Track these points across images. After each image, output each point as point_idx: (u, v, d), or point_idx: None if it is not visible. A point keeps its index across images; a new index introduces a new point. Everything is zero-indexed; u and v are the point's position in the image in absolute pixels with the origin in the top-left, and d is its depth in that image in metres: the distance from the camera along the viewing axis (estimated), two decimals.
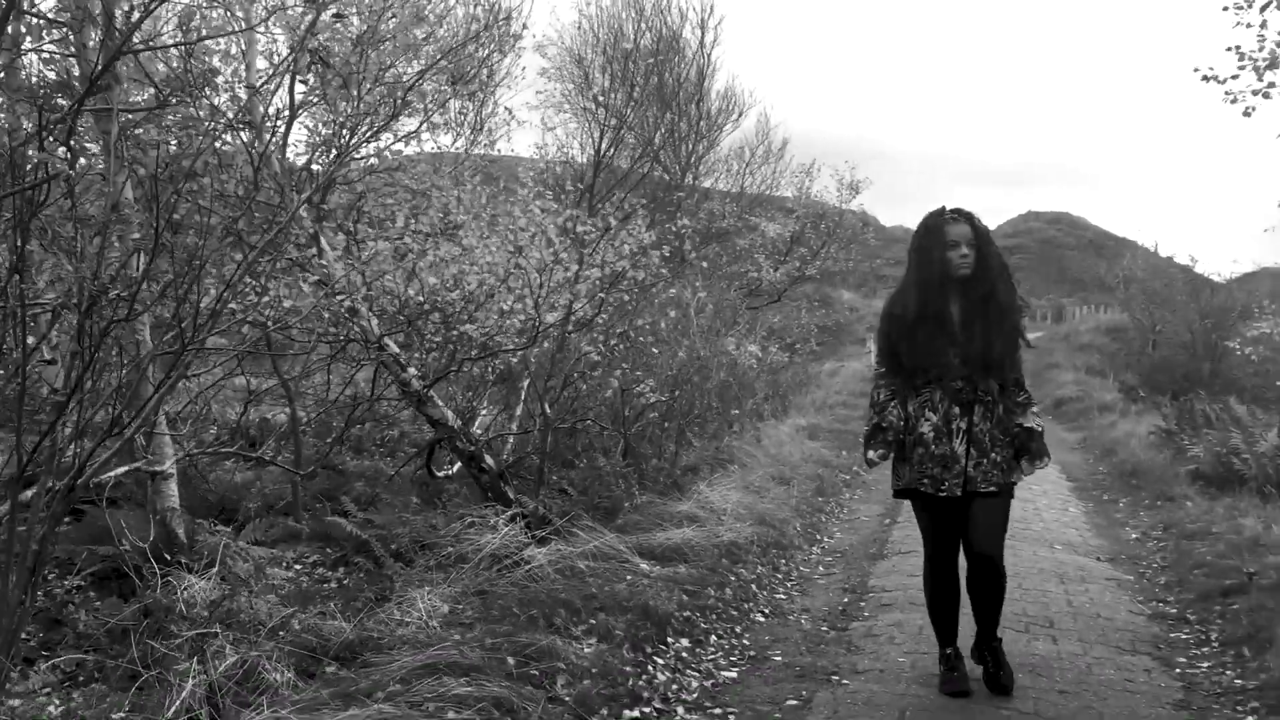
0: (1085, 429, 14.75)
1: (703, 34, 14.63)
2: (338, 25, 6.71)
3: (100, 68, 3.14)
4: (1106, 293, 35.73)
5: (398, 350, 7.49)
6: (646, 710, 3.77)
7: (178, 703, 3.44)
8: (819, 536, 7.24)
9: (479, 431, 8.19)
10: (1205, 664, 4.48)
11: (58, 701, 3.88)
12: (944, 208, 3.92)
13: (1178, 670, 4.40)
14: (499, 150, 11.05)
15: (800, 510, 7.70)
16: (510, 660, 3.84)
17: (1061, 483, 10.15)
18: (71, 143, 3.26)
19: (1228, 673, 4.32)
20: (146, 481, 6.20)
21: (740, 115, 16.06)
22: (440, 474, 8.48)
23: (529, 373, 8.69)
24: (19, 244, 3.38)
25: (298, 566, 6.65)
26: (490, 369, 8.79)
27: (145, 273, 3.30)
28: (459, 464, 8.55)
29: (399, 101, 5.72)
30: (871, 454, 3.96)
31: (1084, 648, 4.60)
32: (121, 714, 3.55)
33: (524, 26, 8.51)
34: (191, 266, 3.81)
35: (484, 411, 9.30)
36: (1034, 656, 4.41)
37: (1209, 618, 5.10)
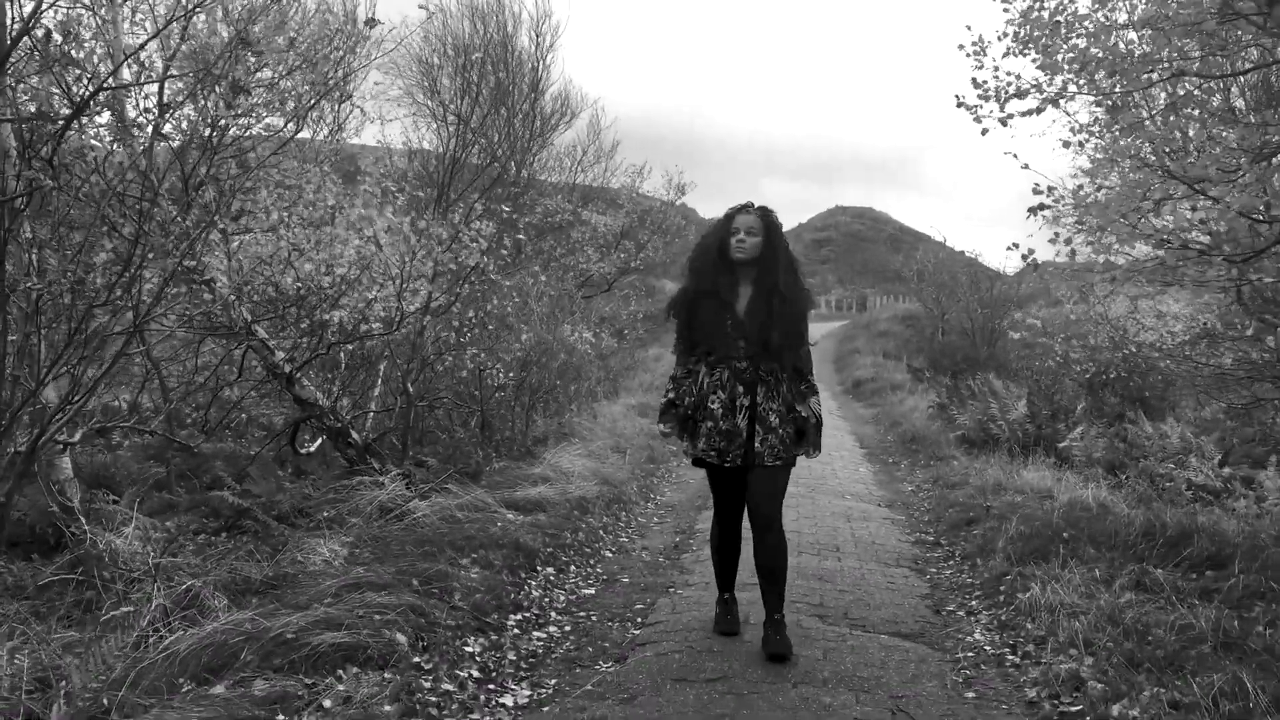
0: (879, 405, 16.59)
1: (538, 39, 15.59)
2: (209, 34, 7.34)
3: (85, 99, 3.85)
4: (904, 283, 38.75)
5: (266, 335, 8.15)
6: (527, 615, 4.78)
7: (146, 618, 4.19)
8: (653, 494, 8.39)
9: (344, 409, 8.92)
10: (948, 571, 5.87)
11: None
12: (744, 203, 4.26)
13: (928, 576, 5.76)
14: (350, 140, 11.66)
15: (636, 474, 8.84)
16: (415, 581, 4.74)
17: (856, 450, 11.72)
18: (54, 161, 3.94)
19: (963, 575, 5.71)
20: (40, 456, 6.69)
21: (573, 117, 17.15)
22: (302, 451, 9.16)
23: (386, 356, 9.48)
24: (1, 245, 4.06)
25: (181, 537, 7.25)
26: (349, 354, 9.51)
27: (138, 265, 4.01)
28: (319, 441, 9.27)
29: (301, 117, 6.40)
30: (662, 426, 4.34)
31: (860, 563, 5.91)
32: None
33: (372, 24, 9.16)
34: (131, 262, 4.55)
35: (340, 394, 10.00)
36: (823, 569, 5.67)
37: (955, 541, 6.54)
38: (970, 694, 3.87)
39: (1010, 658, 4.26)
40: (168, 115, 7.57)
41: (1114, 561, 5.18)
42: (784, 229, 4.34)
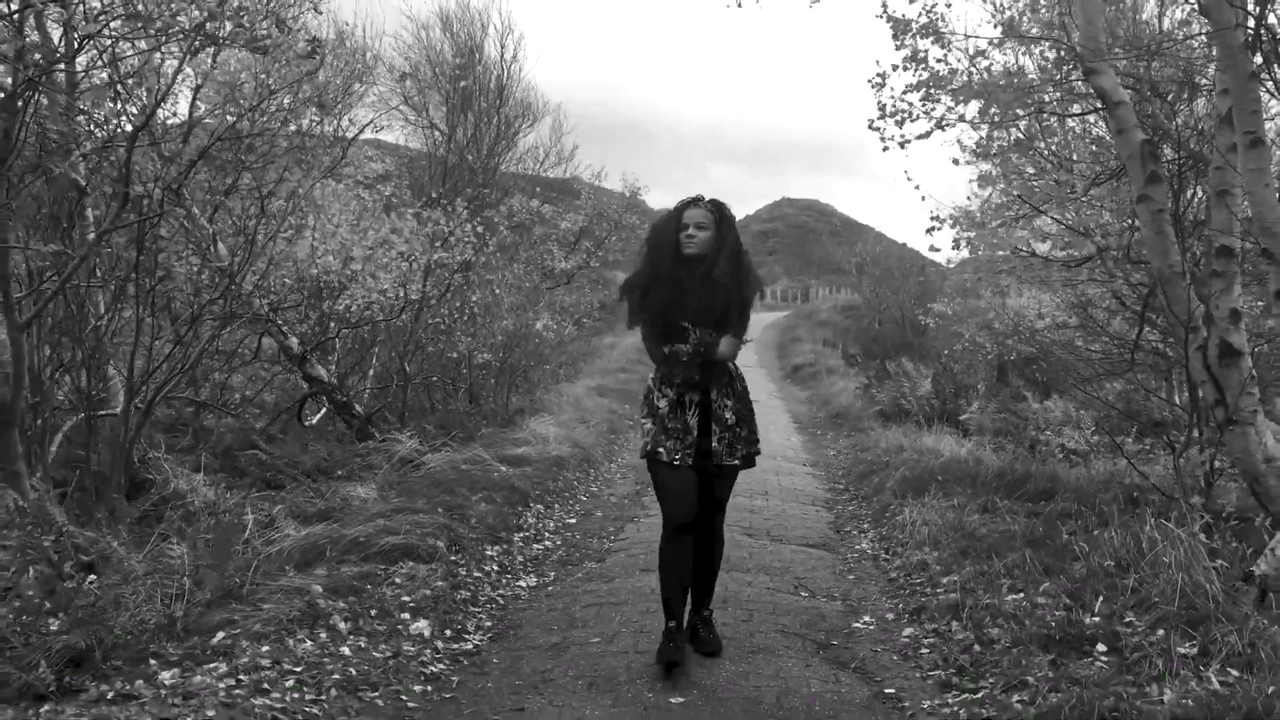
0: (814, 388, 18.27)
1: (502, 51, 17.04)
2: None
3: (199, 155, 5.26)
4: (845, 275, 40.62)
5: (281, 322, 9.53)
6: (527, 534, 6.29)
7: (247, 531, 5.63)
8: (615, 457, 9.93)
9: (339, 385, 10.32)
10: (851, 507, 7.49)
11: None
12: (694, 196, 4.09)
13: (834, 510, 7.37)
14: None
15: (600, 441, 10.37)
16: (440, 510, 6.23)
17: (790, 424, 13.36)
18: (180, 189, 5.34)
19: (861, 509, 7.33)
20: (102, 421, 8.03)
21: (535, 121, 18.64)
22: (306, 423, 10.56)
23: (382, 341, 10.89)
24: (138, 254, 5.46)
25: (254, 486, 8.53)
26: (351, 339, 10.91)
27: (238, 264, 5.42)
28: (321, 413, 10.68)
29: (334, 164, 7.79)
30: (680, 351, 3.96)
31: (782, 503, 7.50)
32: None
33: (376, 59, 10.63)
34: (235, 270, 5.96)
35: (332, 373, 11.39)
36: (753, 505, 7.25)
37: (860, 487, 8.17)
38: (850, 576, 5.47)
39: (884, 557, 5.87)
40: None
41: (971, 495, 6.81)
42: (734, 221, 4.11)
